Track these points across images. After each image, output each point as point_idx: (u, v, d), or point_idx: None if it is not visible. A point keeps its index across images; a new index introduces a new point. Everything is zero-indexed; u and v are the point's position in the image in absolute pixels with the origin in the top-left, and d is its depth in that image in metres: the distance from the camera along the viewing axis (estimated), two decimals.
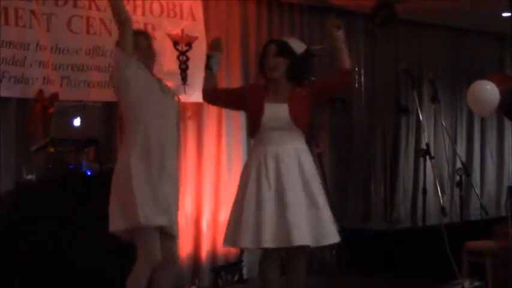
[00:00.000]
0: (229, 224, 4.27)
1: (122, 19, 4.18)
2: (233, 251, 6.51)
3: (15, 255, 5.06)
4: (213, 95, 4.50)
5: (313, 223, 4.12)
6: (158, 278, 4.24)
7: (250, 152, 4.43)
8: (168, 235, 4.21)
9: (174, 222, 4.23)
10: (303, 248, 4.15)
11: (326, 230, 4.17)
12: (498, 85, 6.58)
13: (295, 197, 4.10)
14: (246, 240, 4.10)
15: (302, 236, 4.05)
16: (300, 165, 4.20)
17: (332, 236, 4.22)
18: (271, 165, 4.15)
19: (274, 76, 4.23)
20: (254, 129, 4.26)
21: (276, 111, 4.19)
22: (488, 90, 6.59)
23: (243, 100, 4.33)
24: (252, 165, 4.23)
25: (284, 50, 4.24)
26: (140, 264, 4.09)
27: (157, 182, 4.10)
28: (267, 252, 4.18)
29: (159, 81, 4.35)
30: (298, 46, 4.30)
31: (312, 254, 6.67)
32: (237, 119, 6.97)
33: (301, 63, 4.38)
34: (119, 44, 4.22)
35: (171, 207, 4.18)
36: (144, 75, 4.19)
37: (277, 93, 4.24)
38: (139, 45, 4.25)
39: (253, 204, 4.10)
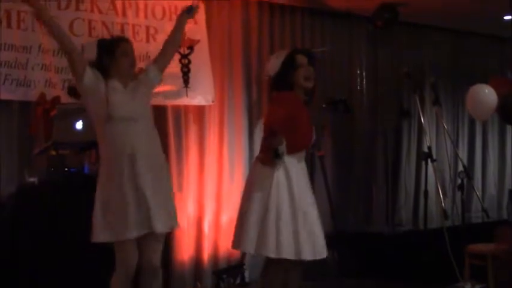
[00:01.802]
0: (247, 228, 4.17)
1: (67, 50, 4.15)
2: (235, 253, 6.51)
3: (17, 257, 5.07)
4: None
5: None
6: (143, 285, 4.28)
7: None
8: (150, 239, 4.15)
9: (154, 218, 4.07)
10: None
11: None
12: (497, 89, 6.59)
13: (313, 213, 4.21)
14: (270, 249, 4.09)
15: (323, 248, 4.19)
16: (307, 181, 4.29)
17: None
18: (294, 181, 4.17)
19: (311, 86, 4.21)
20: (298, 150, 4.21)
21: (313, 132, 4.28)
22: (486, 94, 6.60)
23: (290, 123, 4.16)
24: (274, 178, 4.15)
25: (312, 60, 4.25)
26: (116, 275, 4.14)
27: (122, 188, 4.05)
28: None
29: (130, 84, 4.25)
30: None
31: None
32: (239, 122, 7.00)
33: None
34: (71, 70, 4.22)
35: (150, 209, 4.07)
36: (99, 85, 4.13)
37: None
38: (126, 51, 4.23)
39: (290, 220, 4.10)
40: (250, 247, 4.14)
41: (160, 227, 4.12)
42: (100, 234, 4.08)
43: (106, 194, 4.10)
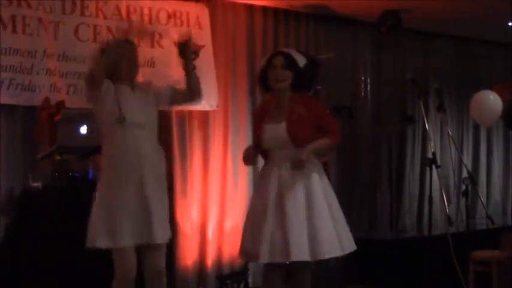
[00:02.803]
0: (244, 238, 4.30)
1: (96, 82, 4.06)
2: (239, 259, 6.51)
3: (21, 261, 5.07)
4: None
5: (313, 238, 4.08)
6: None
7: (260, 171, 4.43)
8: (152, 248, 4.12)
9: (155, 230, 4.04)
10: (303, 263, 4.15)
11: (325, 244, 4.12)
12: (501, 95, 6.59)
13: (296, 213, 4.09)
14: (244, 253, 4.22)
15: (300, 252, 4.03)
16: (305, 181, 4.17)
17: (332, 250, 4.17)
18: (274, 182, 4.16)
19: (281, 87, 4.22)
20: (260, 151, 4.30)
21: (274, 130, 4.19)
22: (491, 100, 6.60)
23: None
24: (258, 185, 4.35)
25: (291, 62, 4.24)
26: (115, 281, 4.09)
27: (126, 195, 4.02)
28: (270, 264, 4.18)
29: (138, 90, 4.21)
30: (300, 59, 4.29)
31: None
32: (244, 128, 6.99)
33: (305, 76, 4.35)
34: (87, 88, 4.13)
35: (140, 223, 4.02)
36: (108, 100, 4.07)
37: (278, 109, 4.25)
38: (126, 53, 4.16)
39: (255, 221, 4.16)
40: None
41: (160, 238, 4.10)
42: (97, 240, 4.02)
43: (107, 200, 4.04)
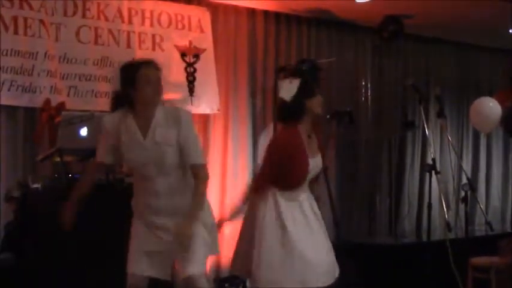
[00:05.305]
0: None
1: None
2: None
3: (21, 264, 5.07)
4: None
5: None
6: None
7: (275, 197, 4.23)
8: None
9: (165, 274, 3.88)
10: None
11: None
12: (502, 102, 6.59)
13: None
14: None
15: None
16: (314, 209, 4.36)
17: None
18: (307, 210, 4.29)
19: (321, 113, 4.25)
20: (296, 183, 4.23)
21: (315, 163, 4.26)
22: (490, 107, 6.60)
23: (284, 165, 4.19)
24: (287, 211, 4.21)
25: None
26: None
27: (144, 235, 3.83)
28: None
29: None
30: None
31: None
32: (243, 131, 7.00)
33: None
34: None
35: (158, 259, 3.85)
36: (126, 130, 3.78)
37: (310, 139, 4.26)
38: (149, 79, 3.66)
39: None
40: None
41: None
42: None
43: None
